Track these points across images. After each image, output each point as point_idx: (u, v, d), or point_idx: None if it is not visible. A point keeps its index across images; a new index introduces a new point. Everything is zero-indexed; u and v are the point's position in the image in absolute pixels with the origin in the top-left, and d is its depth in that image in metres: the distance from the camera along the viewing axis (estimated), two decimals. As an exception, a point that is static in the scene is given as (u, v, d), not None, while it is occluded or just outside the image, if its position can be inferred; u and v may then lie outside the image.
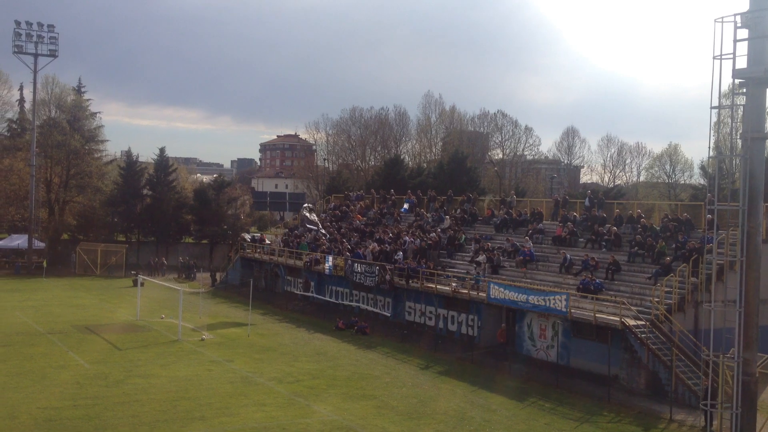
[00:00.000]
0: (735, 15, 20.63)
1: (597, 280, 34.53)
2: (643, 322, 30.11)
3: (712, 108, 21.58)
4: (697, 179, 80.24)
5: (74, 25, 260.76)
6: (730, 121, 22.11)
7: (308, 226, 54.40)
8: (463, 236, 46.07)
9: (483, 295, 36.84)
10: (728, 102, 21.54)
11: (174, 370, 30.72)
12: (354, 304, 46.54)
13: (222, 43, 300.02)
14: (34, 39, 67.54)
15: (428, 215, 52.38)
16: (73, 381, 28.22)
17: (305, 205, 58.88)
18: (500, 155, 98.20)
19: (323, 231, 54.54)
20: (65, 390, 26.89)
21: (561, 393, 29.26)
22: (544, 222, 43.80)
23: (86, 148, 77.07)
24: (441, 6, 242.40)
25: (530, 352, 34.88)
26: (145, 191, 77.68)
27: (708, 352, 21.88)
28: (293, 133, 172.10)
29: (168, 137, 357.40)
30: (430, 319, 40.67)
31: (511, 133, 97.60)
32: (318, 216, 57.45)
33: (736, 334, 21.01)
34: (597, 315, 31.24)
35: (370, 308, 44.92)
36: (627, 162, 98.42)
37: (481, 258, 40.77)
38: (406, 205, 55.93)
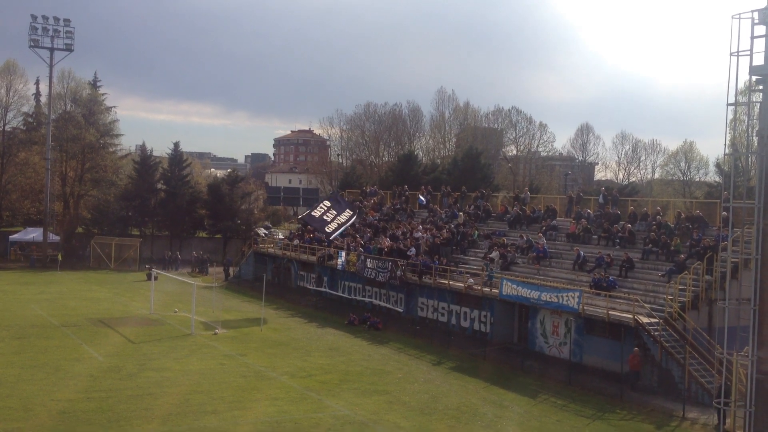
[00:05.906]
0: (752, 11, 20.49)
1: (610, 277, 34.39)
2: (656, 320, 29.97)
3: (728, 105, 21.42)
4: (713, 177, 79.81)
5: (91, 20, 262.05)
6: (746, 118, 22.07)
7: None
8: (477, 232, 45.99)
9: (496, 291, 36.78)
10: (745, 99, 21.38)
11: (187, 363, 30.88)
12: (367, 299, 46.56)
13: (238, 40, 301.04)
14: (50, 33, 68.03)
15: (442, 211, 52.31)
16: (87, 374, 28.43)
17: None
18: (514, 152, 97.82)
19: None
20: (79, 383, 27.10)
21: (573, 390, 29.21)
22: (557, 219, 43.61)
23: (101, 142, 77.58)
24: (457, 5, 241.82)
25: (543, 349, 34.82)
26: (159, 185, 78.21)
27: (722, 350, 21.79)
28: (307, 128, 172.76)
29: (184, 132, 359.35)
30: (442, 315, 40.66)
31: (525, 130, 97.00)
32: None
33: (750, 332, 20.92)
34: (610, 312, 31.12)
35: (382, 304, 44.95)
36: (642, 159, 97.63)
37: (494, 254, 40.71)
38: (422, 198, 55.81)
